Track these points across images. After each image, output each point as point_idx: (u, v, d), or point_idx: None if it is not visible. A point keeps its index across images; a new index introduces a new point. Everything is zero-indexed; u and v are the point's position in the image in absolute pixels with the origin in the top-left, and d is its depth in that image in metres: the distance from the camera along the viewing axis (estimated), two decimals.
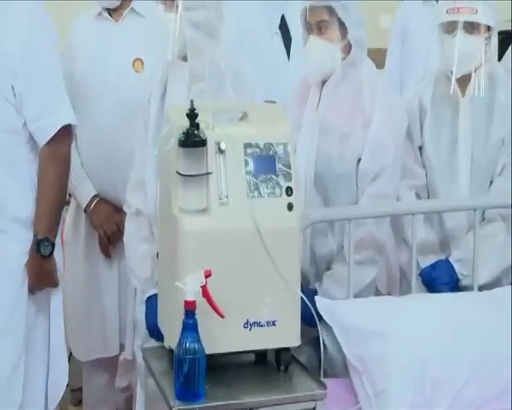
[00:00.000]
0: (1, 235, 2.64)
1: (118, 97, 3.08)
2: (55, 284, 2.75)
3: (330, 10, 2.77)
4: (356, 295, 2.79)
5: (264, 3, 3.45)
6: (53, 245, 2.67)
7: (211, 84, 2.71)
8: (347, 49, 2.82)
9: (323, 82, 2.86)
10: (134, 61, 3.13)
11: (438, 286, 2.92)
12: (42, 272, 2.71)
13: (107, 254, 3.22)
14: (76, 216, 3.29)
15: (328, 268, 2.90)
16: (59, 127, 2.65)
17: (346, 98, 2.85)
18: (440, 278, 2.93)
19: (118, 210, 3.08)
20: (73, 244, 3.20)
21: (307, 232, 2.82)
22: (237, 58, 2.96)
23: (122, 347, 3.29)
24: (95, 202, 3.17)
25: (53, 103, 2.68)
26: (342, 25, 2.79)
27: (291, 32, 3.37)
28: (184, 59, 2.76)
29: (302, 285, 2.67)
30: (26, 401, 2.72)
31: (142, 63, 3.13)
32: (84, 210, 3.18)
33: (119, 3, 3.17)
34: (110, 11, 3.17)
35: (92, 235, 3.21)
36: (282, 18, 3.44)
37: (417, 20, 3.77)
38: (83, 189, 3.15)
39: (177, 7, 2.69)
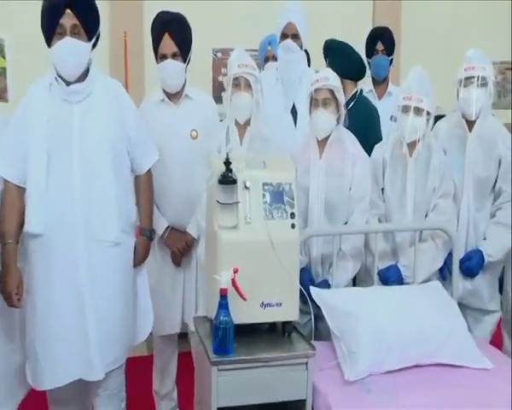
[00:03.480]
0: (126, 235, 2.63)
1: (181, 157, 2.94)
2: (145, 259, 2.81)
3: (331, 92, 2.72)
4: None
5: (281, 90, 3.29)
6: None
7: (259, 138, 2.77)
8: (339, 118, 2.76)
9: (321, 140, 2.77)
10: (191, 132, 2.96)
11: (389, 283, 2.78)
12: (147, 251, 2.78)
13: (178, 264, 3.04)
14: None
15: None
16: (152, 163, 2.76)
17: (339, 150, 2.78)
18: (391, 277, 2.78)
19: (184, 233, 2.98)
20: (150, 257, 2.94)
21: (319, 243, 2.80)
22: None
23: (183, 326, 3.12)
24: (168, 230, 3.01)
25: (147, 152, 2.74)
26: (338, 102, 2.73)
27: (297, 109, 3.22)
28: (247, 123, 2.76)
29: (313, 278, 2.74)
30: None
31: (196, 132, 2.98)
32: (161, 236, 3.03)
33: (180, 89, 2.97)
34: (170, 97, 2.99)
35: (163, 251, 3.05)
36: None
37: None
38: (159, 222, 2.99)
39: (249, 89, 2.71)
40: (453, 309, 2.57)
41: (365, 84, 3.79)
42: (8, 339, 2.57)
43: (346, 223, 2.81)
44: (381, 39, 3.75)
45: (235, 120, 2.76)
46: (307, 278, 2.69)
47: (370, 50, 3.77)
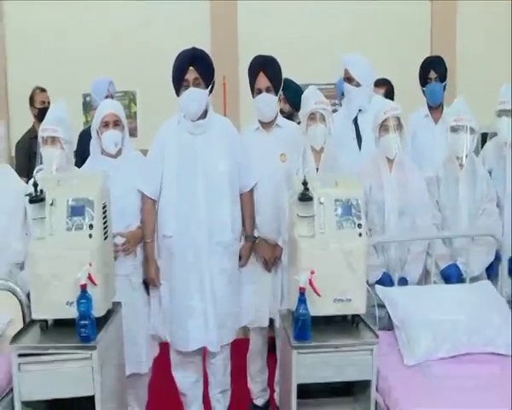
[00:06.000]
0: (236, 240, 2.87)
1: (271, 177, 2.95)
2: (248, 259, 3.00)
3: (398, 119, 2.77)
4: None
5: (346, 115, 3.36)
6: None
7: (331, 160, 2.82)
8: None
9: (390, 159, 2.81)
10: (280, 155, 2.98)
11: (451, 279, 2.77)
12: (251, 252, 2.97)
13: (268, 270, 3.02)
14: None
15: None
16: (254, 183, 2.94)
17: (402, 166, 2.80)
18: (453, 274, 2.78)
19: (272, 245, 2.99)
20: None
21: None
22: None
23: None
24: (258, 239, 3.01)
25: (251, 174, 2.93)
26: (402, 127, 2.78)
27: (362, 133, 3.26)
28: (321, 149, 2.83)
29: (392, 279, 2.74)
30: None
31: (285, 156, 2.98)
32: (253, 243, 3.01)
33: (273, 119, 3.00)
34: (264, 126, 3.02)
35: (254, 256, 3.02)
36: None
37: (420, 127, 3.58)
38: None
39: (323, 121, 2.77)
40: (502, 305, 2.54)
41: (420, 111, 3.71)
42: (137, 316, 2.83)
43: None
44: (434, 68, 3.62)
45: (311, 146, 2.82)
46: (388, 280, 2.74)
47: (424, 79, 3.64)
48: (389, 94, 4.01)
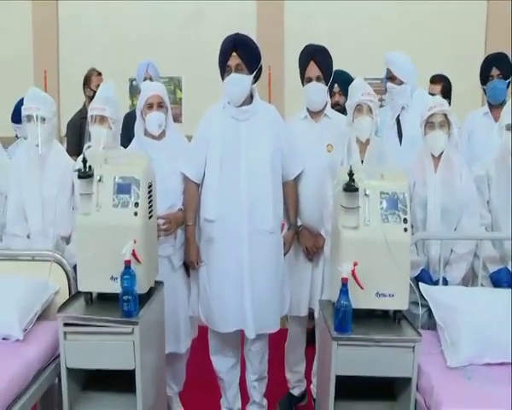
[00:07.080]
0: (277, 228, 2.82)
1: (317, 166, 2.88)
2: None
3: (445, 115, 2.68)
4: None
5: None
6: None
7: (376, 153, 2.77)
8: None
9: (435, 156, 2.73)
10: (327, 145, 2.92)
11: (501, 284, 2.64)
12: (293, 241, 2.91)
13: (310, 259, 2.99)
14: None
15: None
16: (298, 172, 2.89)
17: (449, 164, 2.71)
18: (503, 279, 2.67)
19: (315, 234, 2.93)
20: None
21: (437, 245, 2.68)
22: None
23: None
24: (301, 228, 2.98)
25: (295, 162, 2.88)
26: (449, 124, 2.69)
27: (403, 129, 3.27)
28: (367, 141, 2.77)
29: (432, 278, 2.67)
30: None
31: (332, 146, 2.92)
32: (296, 232, 3.03)
33: (321, 108, 2.96)
34: (312, 115, 2.97)
35: (296, 245, 2.99)
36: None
37: (478, 125, 3.47)
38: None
39: (370, 113, 2.71)
40: None
41: (479, 109, 3.58)
42: (177, 297, 2.85)
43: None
44: (496, 65, 3.47)
45: (356, 138, 2.76)
46: (427, 277, 2.67)
47: (485, 76, 3.49)
48: (446, 91, 3.87)
